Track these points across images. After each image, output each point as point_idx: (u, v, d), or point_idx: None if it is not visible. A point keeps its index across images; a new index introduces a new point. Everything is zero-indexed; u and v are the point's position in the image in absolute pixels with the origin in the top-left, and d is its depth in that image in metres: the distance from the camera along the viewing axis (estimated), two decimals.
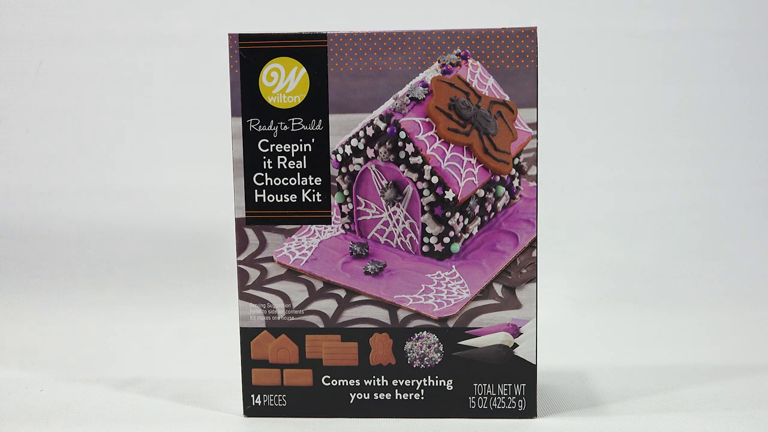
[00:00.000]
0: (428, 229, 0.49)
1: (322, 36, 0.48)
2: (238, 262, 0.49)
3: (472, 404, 0.49)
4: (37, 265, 0.79)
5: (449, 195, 0.48)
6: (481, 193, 0.49)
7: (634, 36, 0.81)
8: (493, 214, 0.50)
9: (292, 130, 0.48)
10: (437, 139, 0.48)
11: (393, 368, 0.49)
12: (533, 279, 0.49)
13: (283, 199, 0.49)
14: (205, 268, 0.79)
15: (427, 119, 0.48)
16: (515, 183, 0.50)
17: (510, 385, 0.49)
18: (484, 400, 0.49)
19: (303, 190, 0.49)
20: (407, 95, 0.48)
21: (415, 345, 0.49)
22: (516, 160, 0.49)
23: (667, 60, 0.81)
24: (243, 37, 0.48)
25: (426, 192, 0.48)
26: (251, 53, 0.48)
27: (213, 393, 0.54)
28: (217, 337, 0.67)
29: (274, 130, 0.48)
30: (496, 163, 0.48)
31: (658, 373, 0.57)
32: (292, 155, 0.49)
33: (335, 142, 0.48)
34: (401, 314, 0.49)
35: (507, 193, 0.50)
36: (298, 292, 0.49)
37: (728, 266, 0.79)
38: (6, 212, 0.81)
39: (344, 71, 0.48)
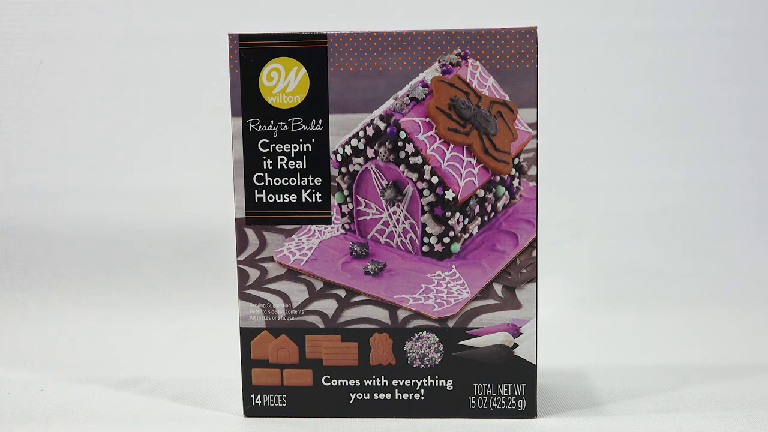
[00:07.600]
0: (428, 229, 0.49)
1: (322, 36, 0.48)
2: (238, 262, 0.49)
3: (472, 404, 0.49)
4: (37, 265, 0.79)
5: (449, 195, 0.48)
6: (481, 193, 0.49)
7: (634, 36, 0.81)
8: (493, 214, 0.50)
9: (292, 130, 0.48)
10: (437, 139, 0.48)
11: (393, 368, 0.49)
12: (533, 279, 0.49)
13: (283, 199, 0.49)
14: (205, 268, 0.79)
15: (427, 119, 0.48)
16: (515, 183, 0.49)
17: (510, 385, 0.49)
18: (484, 400, 0.49)
19: (303, 190, 0.49)
20: (407, 95, 0.48)
21: (415, 345, 0.49)
22: (516, 160, 0.49)
23: (666, 60, 0.81)
24: (243, 37, 0.48)
25: (426, 192, 0.48)
26: (251, 53, 0.48)
27: (213, 393, 0.54)
28: (217, 337, 0.67)
29: (274, 130, 0.48)
30: (496, 163, 0.48)
31: (658, 373, 0.57)
32: (292, 155, 0.48)
33: (335, 142, 0.48)
34: (401, 314, 0.49)
35: (507, 193, 0.50)
36: (298, 292, 0.49)
37: (728, 266, 0.79)
38: (6, 212, 0.81)
39: (344, 71, 0.48)
